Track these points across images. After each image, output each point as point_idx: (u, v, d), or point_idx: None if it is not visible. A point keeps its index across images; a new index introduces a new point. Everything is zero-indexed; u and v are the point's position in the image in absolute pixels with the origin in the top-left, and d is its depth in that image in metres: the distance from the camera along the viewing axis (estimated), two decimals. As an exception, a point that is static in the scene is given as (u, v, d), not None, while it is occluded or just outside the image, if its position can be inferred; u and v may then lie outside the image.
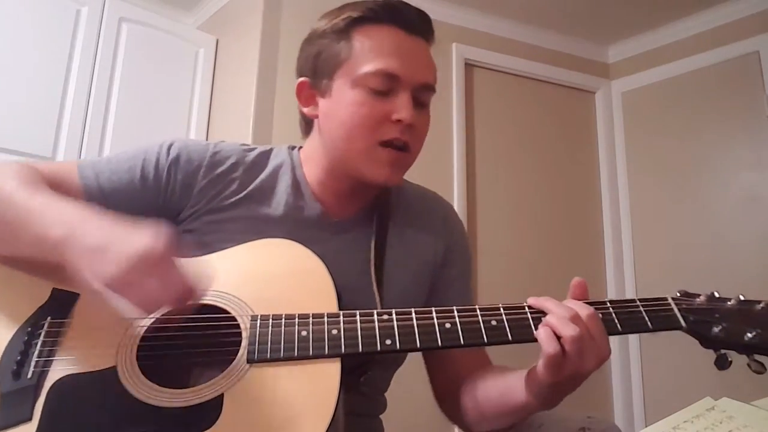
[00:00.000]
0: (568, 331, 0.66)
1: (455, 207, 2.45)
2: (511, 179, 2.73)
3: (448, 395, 0.90)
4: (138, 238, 0.62)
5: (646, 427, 0.64)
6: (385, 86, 0.82)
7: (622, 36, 2.92)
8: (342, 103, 0.84)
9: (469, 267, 1.00)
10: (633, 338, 2.67)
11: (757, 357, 0.70)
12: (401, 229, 0.93)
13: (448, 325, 0.70)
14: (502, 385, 0.81)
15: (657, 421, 0.65)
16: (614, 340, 2.83)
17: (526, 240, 2.68)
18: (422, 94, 0.86)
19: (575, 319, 0.67)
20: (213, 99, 2.50)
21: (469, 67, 2.72)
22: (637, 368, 2.67)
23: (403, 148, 0.84)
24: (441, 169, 2.52)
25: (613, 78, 3.01)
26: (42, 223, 0.67)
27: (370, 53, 0.83)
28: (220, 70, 2.51)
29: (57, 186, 0.79)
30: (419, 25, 0.87)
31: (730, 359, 0.70)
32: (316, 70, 0.87)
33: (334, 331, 0.68)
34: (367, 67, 0.82)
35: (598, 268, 2.79)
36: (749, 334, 0.69)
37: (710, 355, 0.71)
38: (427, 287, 0.93)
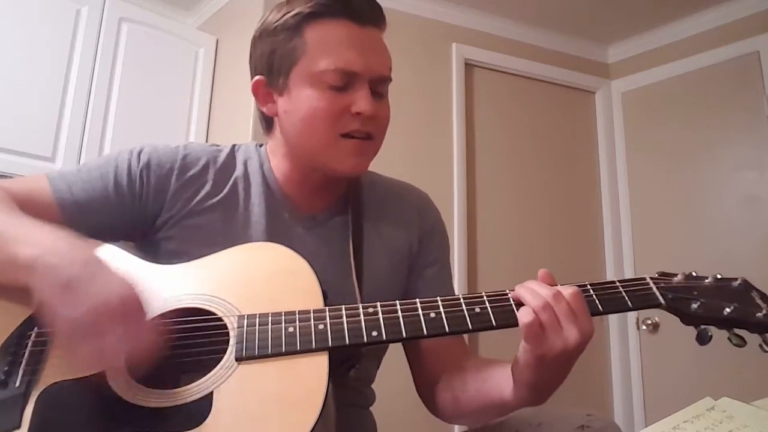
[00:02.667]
0: (535, 301, 0.68)
1: (455, 207, 2.49)
2: (511, 179, 2.73)
3: (428, 389, 0.91)
4: (110, 283, 0.62)
5: (646, 427, 0.64)
6: (342, 81, 0.82)
7: (622, 36, 2.92)
8: (301, 101, 0.84)
9: (445, 253, 1.00)
10: (633, 338, 2.68)
11: (737, 331, 0.72)
12: (375, 222, 0.94)
13: (432, 315, 0.71)
14: (483, 377, 0.82)
15: (657, 421, 0.65)
16: (614, 341, 2.84)
17: (527, 240, 2.68)
18: (379, 86, 0.86)
19: (557, 296, 0.69)
20: (213, 99, 2.50)
21: (469, 67, 2.72)
22: (637, 368, 2.67)
23: (367, 137, 0.85)
24: (441, 169, 2.52)
25: (613, 78, 3.01)
26: (9, 244, 0.65)
27: (324, 49, 0.83)
28: (220, 70, 2.51)
29: (29, 202, 0.77)
30: (370, 15, 0.86)
31: (710, 334, 0.72)
32: (272, 69, 0.87)
33: (321, 326, 0.69)
34: (323, 64, 0.82)
35: (598, 268, 2.79)
36: (727, 309, 0.71)
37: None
38: (404, 277, 0.94)
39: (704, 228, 2.54)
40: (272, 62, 0.87)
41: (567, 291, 0.70)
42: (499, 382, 0.77)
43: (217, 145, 0.95)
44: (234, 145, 0.96)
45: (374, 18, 0.87)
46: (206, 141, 2.43)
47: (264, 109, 0.91)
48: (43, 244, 0.64)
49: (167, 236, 0.85)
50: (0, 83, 2.01)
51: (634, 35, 2.89)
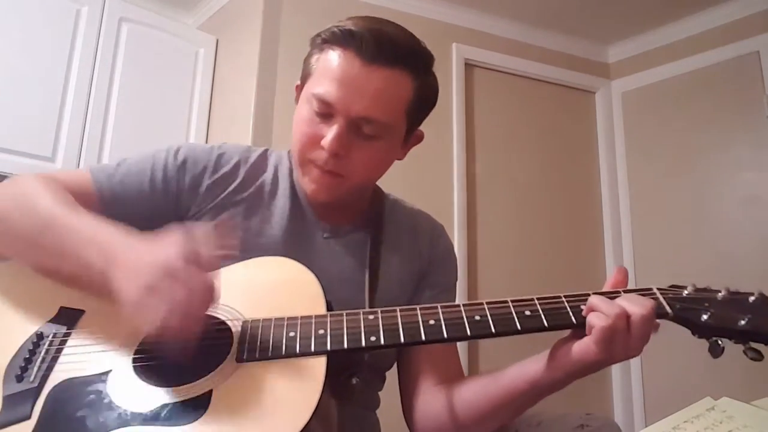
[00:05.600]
0: (611, 309, 0.68)
1: (455, 207, 2.49)
2: (511, 179, 2.73)
3: (417, 407, 0.90)
4: (159, 249, 0.65)
5: (646, 427, 0.64)
6: (322, 110, 0.83)
7: (622, 36, 2.92)
8: (296, 114, 0.89)
9: (451, 281, 1.02)
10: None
11: (754, 344, 0.69)
12: (392, 243, 0.97)
13: (432, 322, 0.72)
14: (490, 380, 0.81)
15: (657, 421, 0.65)
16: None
17: (526, 240, 2.68)
18: (364, 126, 0.83)
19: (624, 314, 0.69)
20: (213, 99, 2.50)
21: (469, 67, 2.72)
22: (637, 368, 2.67)
23: (331, 173, 0.85)
24: (441, 169, 2.51)
25: (613, 78, 3.01)
26: (86, 248, 0.70)
27: (318, 74, 0.85)
28: (220, 71, 2.51)
29: (74, 193, 0.82)
30: (377, 53, 0.82)
31: (722, 346, 0.69)
32: (302, 78, 0.92)
33: (321, 331, 0.71)
34: (313, 89, 0.84)
35: (598, 268, 2.78)
36: (742, 321, 0.68)
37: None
38: (410, 298, 0.96)
39: (704, 228, 2.54)
40: (302, 72, 0.91)
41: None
42: (519, 372, 0.77)
43: (250, 147, 0.98)
44: (267, 149, 0.99)
45: (384, 57, 0.82)
46: (206, 141, 2.43)
47: None
48: (112, 250, 0.69)
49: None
50: (0, 83, 2.01)
51: (634, 35, 2.89)
